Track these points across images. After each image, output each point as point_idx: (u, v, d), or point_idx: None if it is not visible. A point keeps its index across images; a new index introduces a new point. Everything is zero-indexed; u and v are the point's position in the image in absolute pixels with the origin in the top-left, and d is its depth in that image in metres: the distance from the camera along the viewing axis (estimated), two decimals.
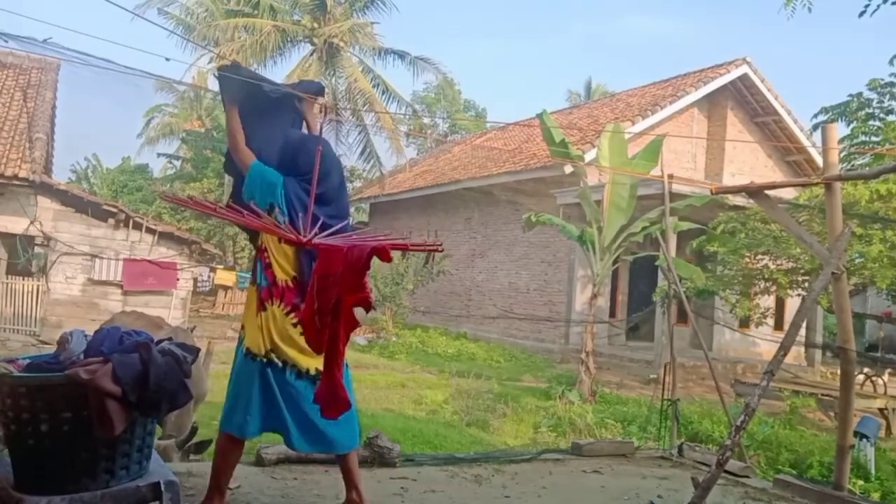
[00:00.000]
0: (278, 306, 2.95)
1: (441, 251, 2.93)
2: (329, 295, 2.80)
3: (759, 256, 12.09)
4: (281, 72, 20.01)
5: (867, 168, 9.06)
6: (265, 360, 2.92)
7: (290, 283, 2.98)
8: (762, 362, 13.66)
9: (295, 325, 2.92)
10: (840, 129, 10.53)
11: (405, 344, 15.18)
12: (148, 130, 32.32)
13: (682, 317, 9.58)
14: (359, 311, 2.90)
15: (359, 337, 15.20)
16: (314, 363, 2.95)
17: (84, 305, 13.25)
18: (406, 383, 10.78)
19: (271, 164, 3.07)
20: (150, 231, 13.67)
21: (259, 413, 2.95)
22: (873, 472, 7.03)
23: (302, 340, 2.91)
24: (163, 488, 2.21)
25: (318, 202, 3.01)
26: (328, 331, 2.83)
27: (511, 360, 14.70)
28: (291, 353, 2.94)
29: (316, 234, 2.95)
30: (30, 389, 2.04)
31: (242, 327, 3.07)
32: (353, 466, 3.17)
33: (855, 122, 10.70)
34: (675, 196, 10.23)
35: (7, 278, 12.94)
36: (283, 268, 2.99)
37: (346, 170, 28.25)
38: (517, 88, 64.82)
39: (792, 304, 15.43)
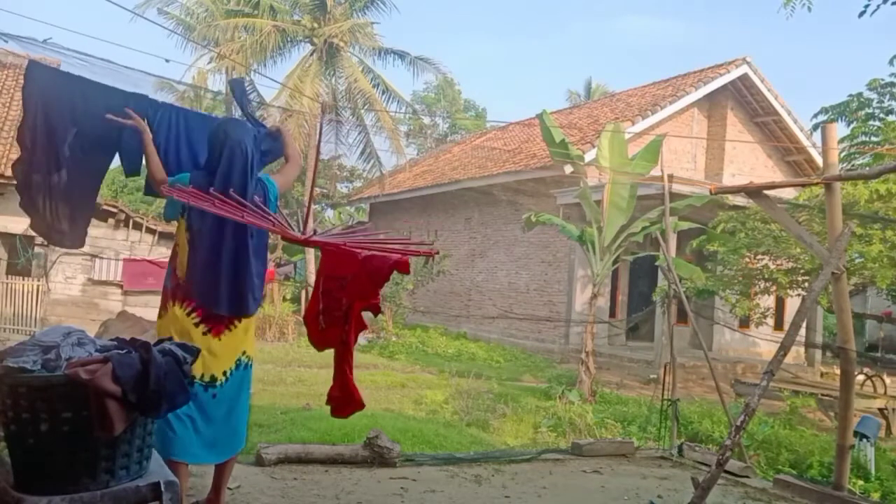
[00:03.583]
0: (180, 307, 2.91)
1: (437, 253, 2.92)
2: (337, 297, 2.82)
3: (759, 256, 12.09)
4: (281, 72, 20.02)
5: (867, 168, 9.05)
6: None
7: None
8: (762, 362, 13.66)
9: (197, 325, 2.88)
10: (840, 129, 10.54)
11: (405, 344, 15.17)
12: None
13: (682, 317, 9.58)
14: (366, 316, 2.93)
15: (359, 337, 15.15)
16: (210, 369, 2.89)
17: (84, 305, 13.25)
18: (406, 383, 10.77)
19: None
20: (150, 231, 13.68)
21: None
22: (873, 472, 7.03)
23: (202, 342, 2.84)
24: (163, 488, 2.21)
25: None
26: (338, 332, 2.84)
27: (511, 360, 14.69)
28: (202, 363, 2.84)
29: (315, 233, 2.95)
30: (30, 389, 2.04)
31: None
32: (229, 471, 3.14)
33: (855, 122, 10.70)
34: (675, 196, 10.24)
35: (7, 278, 12.95)
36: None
37: (346, 170, 28.28)
38: (517, 88, 64.81)
39: (792, 304, 15.44)
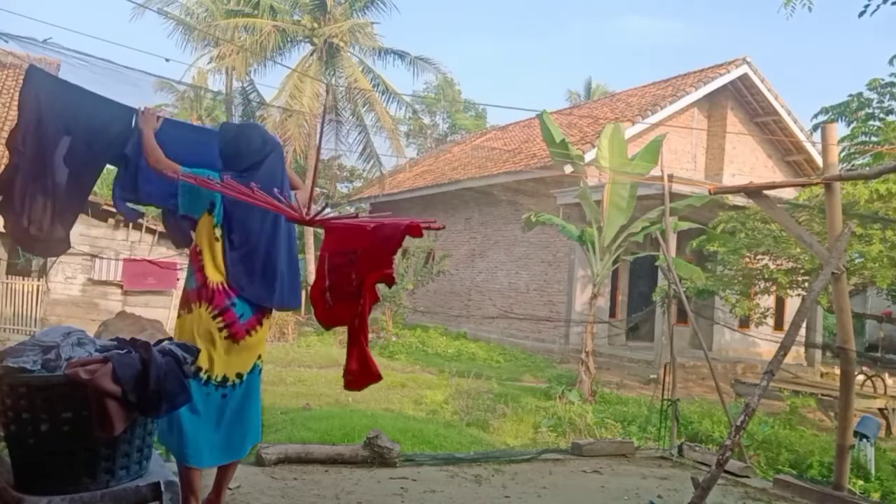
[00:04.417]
0: (206, 309, 2.88)
1: (443, 227, 2.95)
2: (346, 272, 2.81)
3: (759, 256, 12.09)
4: (281, 72, 20.00)
5: (867, 168, 9.05)
6: None
7: (221, 286, 2.91)
8: (762, 362, 13.66)
9: (220, 330, 2.87)
10: (840, 129, 10.55)
11: (405, 344, 15.17)
12: None
13: (682, 317, 9.57)
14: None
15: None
16: (224, 370, 2.90)
17: (84, 305, 13.25)
18: (406, 383, 10.77)
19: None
20: (150, 231, 13.67)
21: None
22: (873, 472, 7.03)
23: (223, 345, 2.87)
24: (163, 488, 2.21)
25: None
26: (348, 307, 2.84)
27: (511, 360, 14.69)
28: (208, 356, 2.86)
29: (318, 213, 2.95)
30: (30, 389, 2.04)
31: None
32: (232, 472, 3.14)
33: (855, 122, 10.70)
34: (675, 196, 10.24)
35: (7, 278, 12.95)
36: (217, 269, 2.92)
37: (346, 170, 28.22)
38: (517, 88, 64.76)
39: (792, 304, 15.44)
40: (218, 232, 2.92)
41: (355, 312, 2.84)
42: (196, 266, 2.94)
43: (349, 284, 2.82)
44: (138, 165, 3.23)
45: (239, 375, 2.95)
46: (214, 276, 2.90)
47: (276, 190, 2.96)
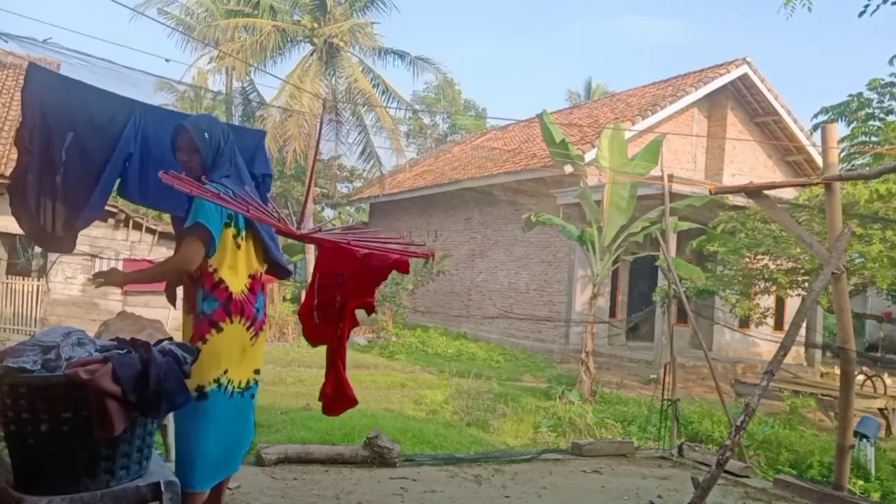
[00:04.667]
0: (240, 322, 2.72)
1: (433, 254, 2.96)
2: (332, 293, 2.82)
3: (759, 256, 12.09)
4: (281, 72, 20.01)
5: (867, 168, 9.05)
6: (217, 386, 2.69)
7: (244, 295, 2.76)
8: (762, 362, 13.66)
9: (251, 339, 2.76)
10: (840, 129, 10.55)
11: (405, 344, 15.17)
12: None
13: (682, 317, 9.58)
14: (359, 312, 2.94)
15: (359, 337, 15.20)
16: (248, 374, 2.82)
17: (84, 305, 13.24)
18: (406, 383, 10.77)
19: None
20: (150, 231, 13.67)
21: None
22: (873, 472, 7.03)
23: (249, 351, 2.78)
24: (163, 488, 2.21)
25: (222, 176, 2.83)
26: (332, 328, 2.85)
27: (511, 360, 14.69)
28: (243, 371, 2.77)
29: (316, 230, 2.97)
30: (30, 389, 2.04)
31: None
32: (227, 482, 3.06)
33: (855, 122, 10.70)
34: (675, 196, 10.24)
35: (7, 278, 12.94)
36: (239, 277, 2.77)
37: (346, 170, 28.23)
38: (517, 88, 64.80)
39: (792, 304, 15.44)
40: (240, 239, 2.78)
41: (335, 335, 2.84)
42: (209, 285, 2.71)
43: (332, 306, 2.85)
44: (146, 166, 3.23)
45: (257, 371, 2.87)
46: (237, 287, 2.74)
47: (247, 187, 2.86)
